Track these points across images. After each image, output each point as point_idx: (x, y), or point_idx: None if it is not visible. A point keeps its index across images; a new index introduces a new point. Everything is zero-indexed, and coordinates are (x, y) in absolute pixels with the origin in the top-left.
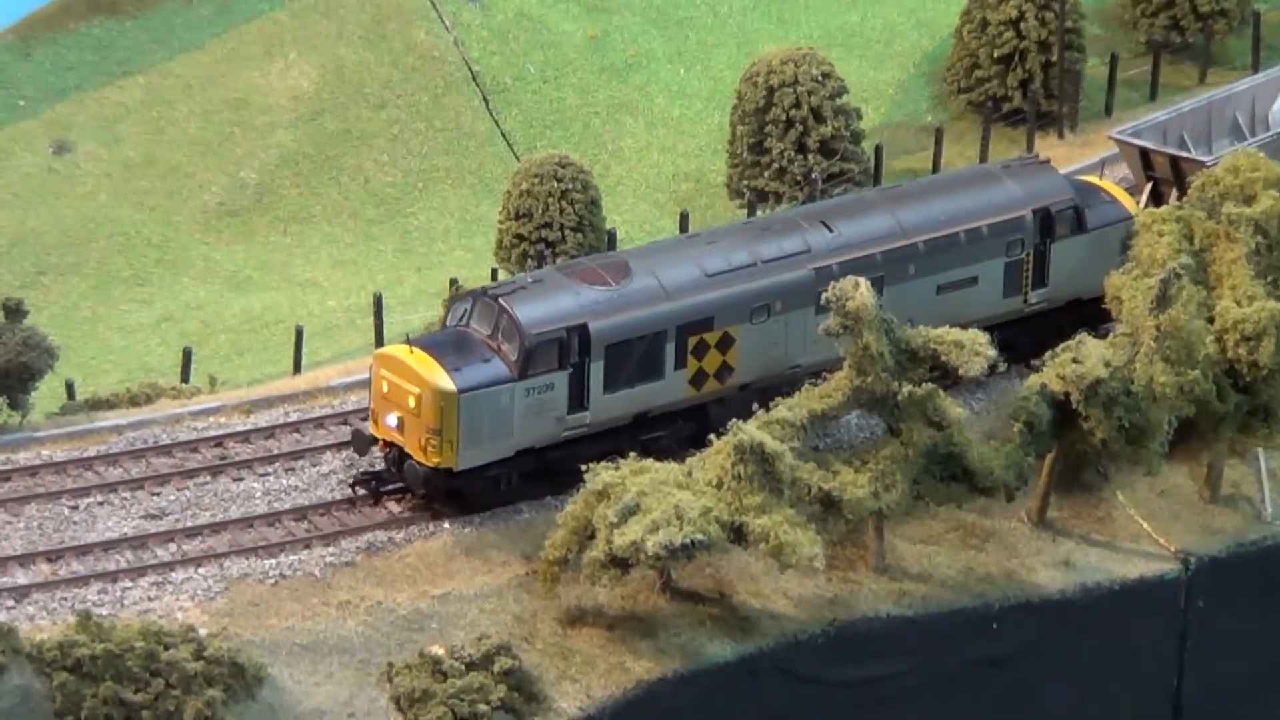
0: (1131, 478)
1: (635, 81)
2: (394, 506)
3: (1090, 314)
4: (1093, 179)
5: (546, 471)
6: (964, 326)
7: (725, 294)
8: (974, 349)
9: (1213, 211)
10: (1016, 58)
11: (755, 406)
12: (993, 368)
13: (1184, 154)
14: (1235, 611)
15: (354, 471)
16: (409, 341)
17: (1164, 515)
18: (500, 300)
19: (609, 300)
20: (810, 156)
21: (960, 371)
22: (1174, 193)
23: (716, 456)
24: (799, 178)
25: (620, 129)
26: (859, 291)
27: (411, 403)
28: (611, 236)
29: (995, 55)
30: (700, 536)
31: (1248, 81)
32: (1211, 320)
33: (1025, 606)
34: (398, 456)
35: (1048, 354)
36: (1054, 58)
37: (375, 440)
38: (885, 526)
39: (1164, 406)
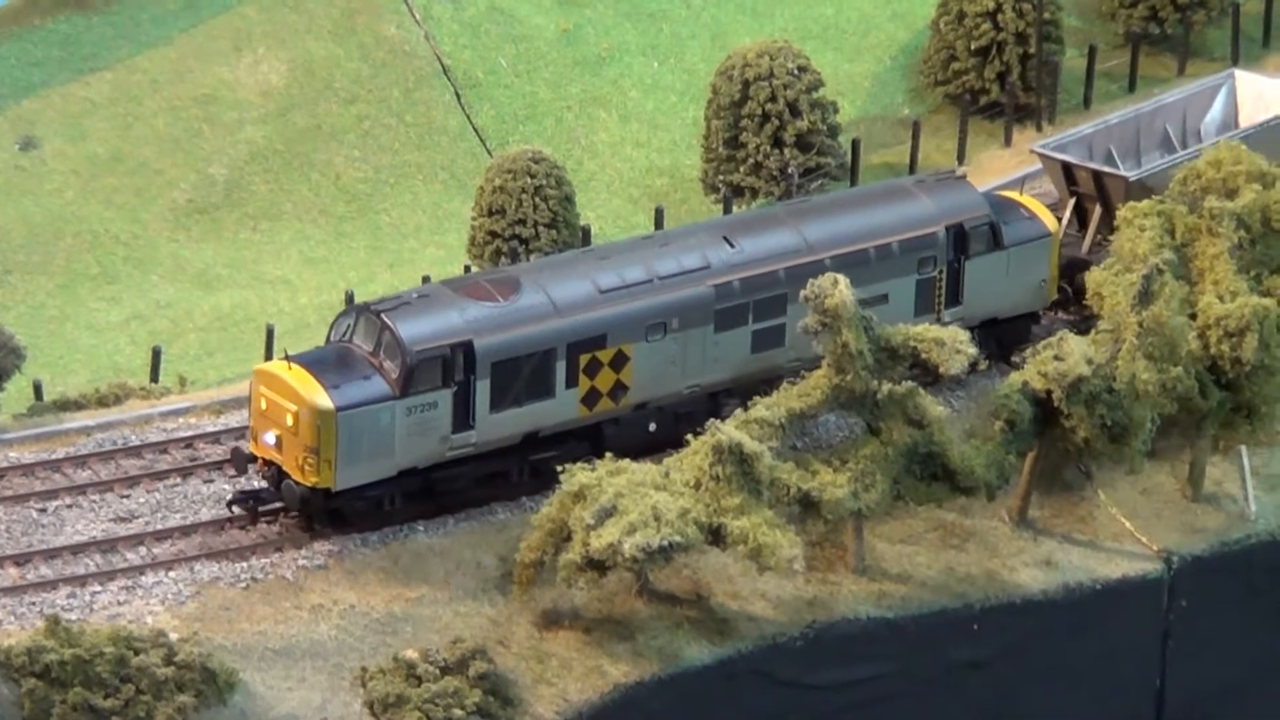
0: (1113, 476)
1: (608, 75)
2: (270, 528)
3: (1007, 334)
4: (1013, 194)
5: (431, 492)
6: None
7: (619, 311)
8: (955, 347)
9: (1194, 206)
10: (994, 50)
11: (651, 427)
12: (973, 366)
13: (1106, 169)
14: (1218, 611)
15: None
16: (288, 357)
17: (1146, 514)
18: (382, 316)
19: (496, 317)
20: (786, 151)
21: (941, 369)
22: (1097, 208)
23: (694, 457)
24: (775, 172)
25: (593, 123)
26: (837, 289)
27: (289, 420)
28: (586, 232)
29: (972, 47)
30: (678, 538)
31: (1178, 93)
32: (1194, 316)
33: (1006, 607)
34: (276, 475)
35: (1029, 351)
36: (1032, 50)
37: (254, 459)
38: (865, 527)
39: (1146, 404)
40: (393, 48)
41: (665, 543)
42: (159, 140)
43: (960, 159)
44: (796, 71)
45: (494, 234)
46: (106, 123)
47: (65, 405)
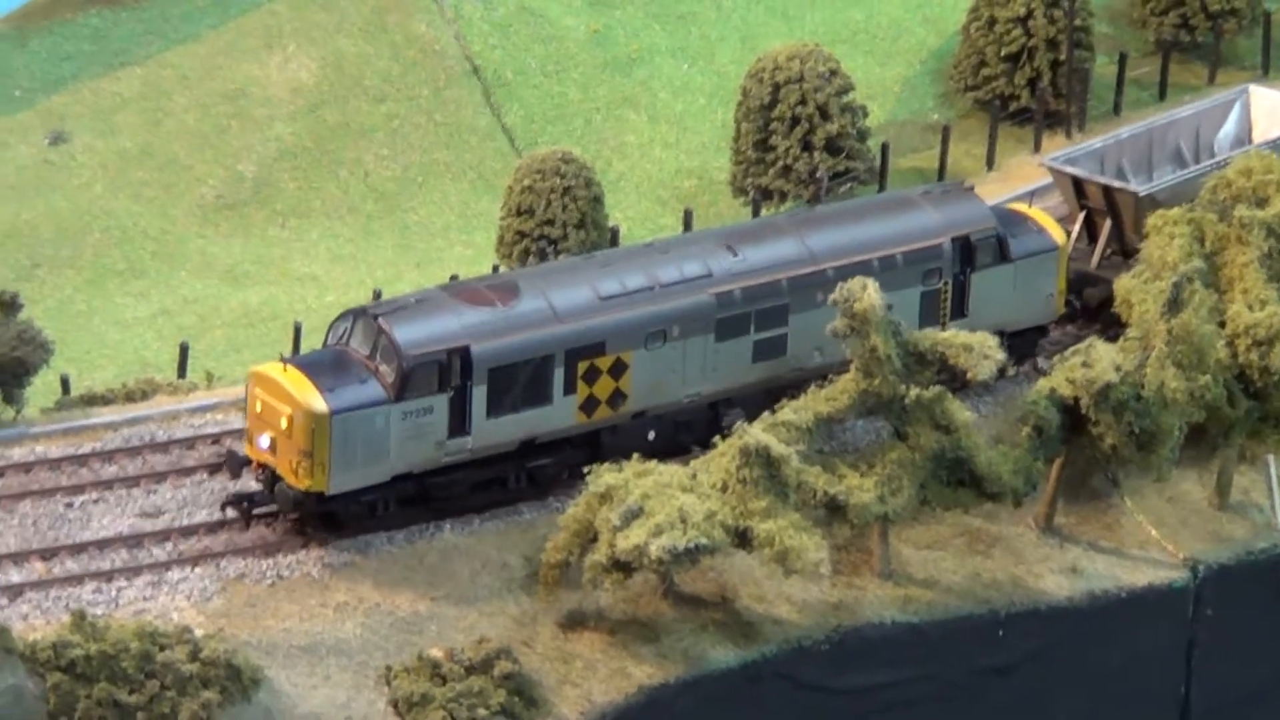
0: (1140, 484)
1: (638, 76)
2: (264, 530)
3: (1014, 347)
4: (1021, 207)
5: (426, 498)
6: None
7: (618, 318)
8: (983, 352)
9: (1224, 214)
10: (1024, 56)
11: (650, 435)
12: (1001, 371)
13: (1116, 183)
14: (1244, 620)
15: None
16: (284, 360)
17: (1172, 522)
18: (379, 319)
19: (494, 322)
20: (816, 154)
21: (969, 375)
22: (1107, 223)
23: (721, 459)
24: (804, 176)
25: (622, 125)
26: (866, 293)
27: (283, 423)
28: (614, 234)
29: (1003, 53)
30: (704, 541)
31: (1191, 108)
32: (1223, 325)
33: (1032, 613)
34: (271, 478)
35: (1057, 357)
36: (1062, 56)
37: (249, 461)
38: (891, 531)
39: (1174, 412)
40: (423, 46)
41: (691, 545)
42: (188, 136)
43: (989, 165)
44: (827, 75)
45: (522, 234)
46: (136, 118)
47: (92, 400)
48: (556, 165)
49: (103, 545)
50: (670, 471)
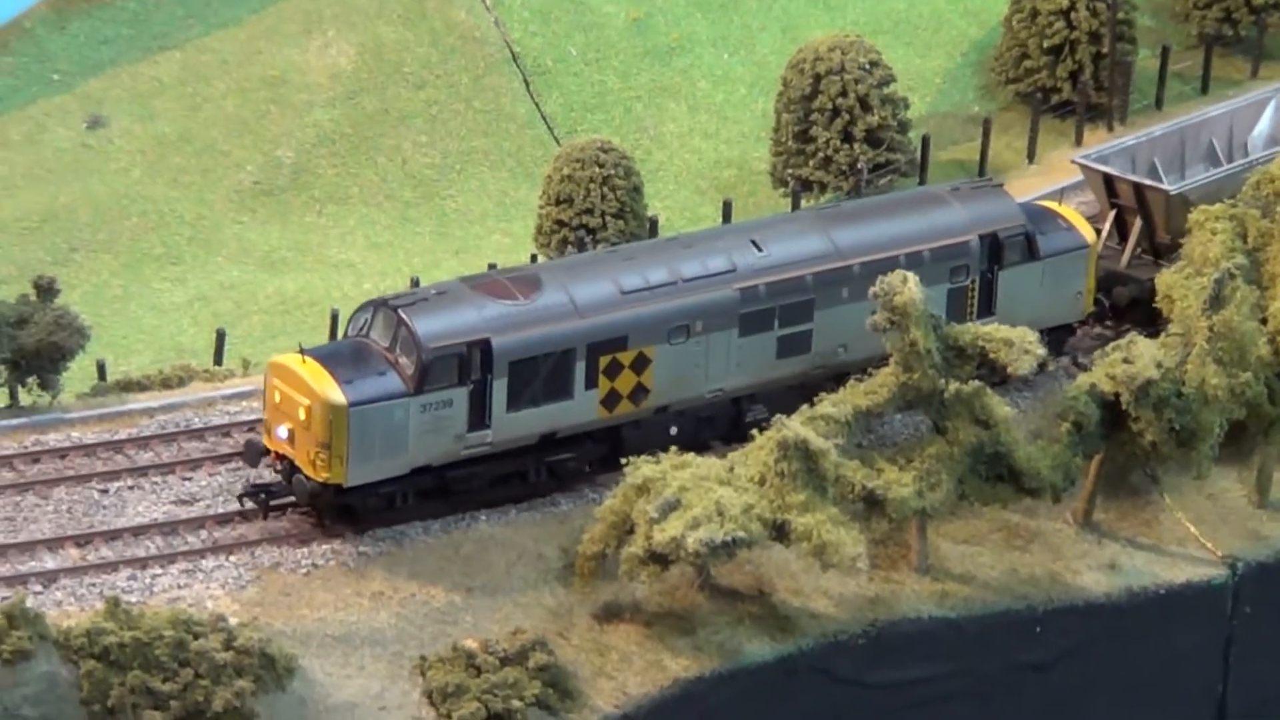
0: (1179, 481)
1: (678, 65)
2: (282, 522)
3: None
4: (1051, 204)
5: (445, 491)
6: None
7: (641, 313)
8: (1023, 347)
9: (1267, 210)
10: (1066, 48)
11: (673, 431)
12: (1041, 366)
13: (1148, 181)
14: None
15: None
16: (302, 351)
17: (1211, 519)
18: (400, 311)
19: (515, 315)
20: (856, 146)
21: (1009, 370)
22: (1137, 221)
23: (759, 453)
24: (844, 167)
25: (662, 114)
26: (907, 286)
27: (301, 414)
28: (653, 223)
29: (1045, 46)
30: (741, 534)
31: (1224, 106)
32: (1265, 321)
33: (1069, 610)
34: (289, 469)
35: (1097, 353)
36: (1105, 49)
37: (267, 451)
38: (929, 526)
39: (1215, 409)
40: (463, 33)
41: (729, 538)
42: (227, 121)
43: (1030, 158)
44: (868, 66)
45: (561, 223)
46: (174, 103)
47: (128, 386)
48: (596, 154)
49: (137, 532)
50: (708, 464)
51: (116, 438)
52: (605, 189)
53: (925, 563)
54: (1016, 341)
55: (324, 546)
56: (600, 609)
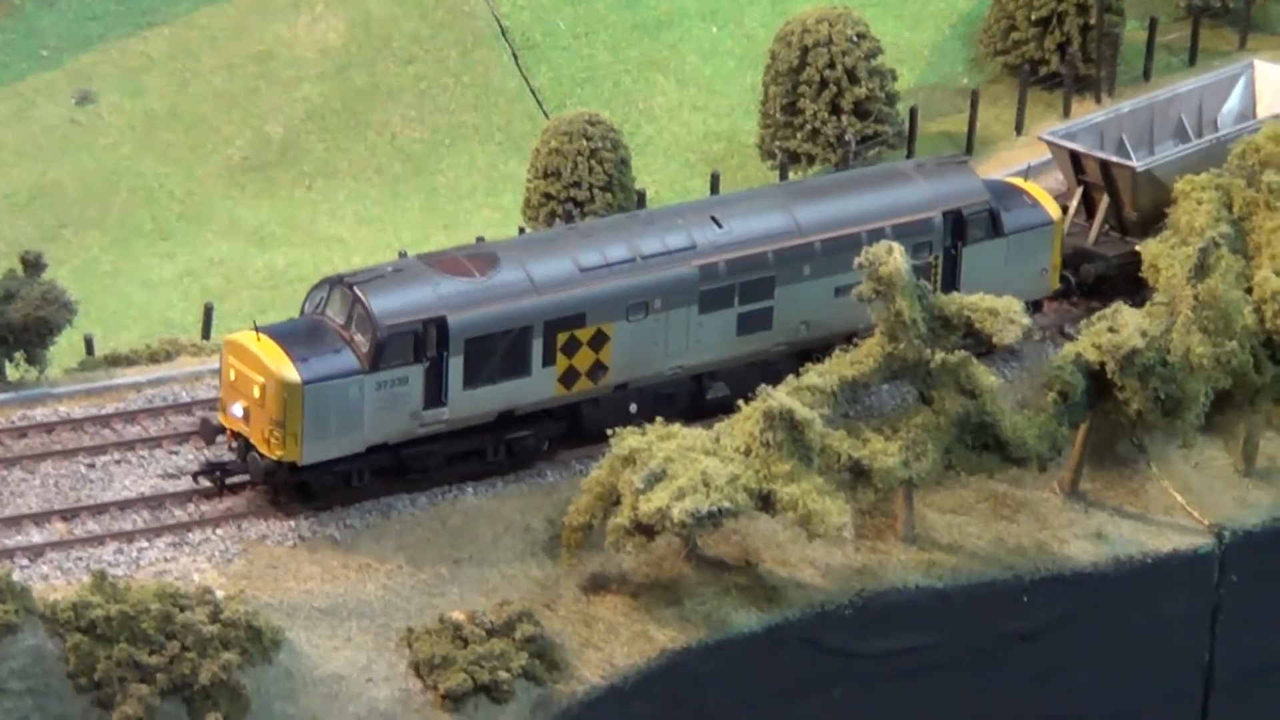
0: (1166, 449)
1: (667, 39)
2: (237, 500)
3: None
4: (1017, 181)
5: (402, 469)
6: (866, 331)
7: (599, 290)
8: (1009, 316)
9: (1252, 179)
10: (1054, 20)
11: (633, 408)
12: (1027, 335)
13: (1114, 158)
14: (1269, 586)
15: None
16: (257, 328)
17: (1198, 488)
18: (355, 289)
19: (471, 292)
20: (844, 118)
21: (995, 339)
22: (1104, 198)
23: (745, 423)
24: (832, 139)
25: (651, 87)
26: (892, 256)
27: (256, 392)
28: (641, 196)
29: (1033, 17)
30: (727, 504)
31: (1193, 82)
32: (1250, 290)
33: (1056, 579)
34: (244, 447)
35: (1083, 322)
36: (1093, 21)
37: (222, 430)
38: (915, 496)
39: (1200, 378)
40: (451, 7)
41: (714, 508)
42: (216, 97)
43: (1018, 129)
44: (855, 38)
45: (549, 196)
46: (163, 78)
47: (116, 361)
48: (584, 128)
49: (124, 506)
50: (694, 435)
51: (104, 412)
52: (593, 162)
53: (912, 532)
54: (1002, 311)
55: (310, 519)
56: (587, 580)
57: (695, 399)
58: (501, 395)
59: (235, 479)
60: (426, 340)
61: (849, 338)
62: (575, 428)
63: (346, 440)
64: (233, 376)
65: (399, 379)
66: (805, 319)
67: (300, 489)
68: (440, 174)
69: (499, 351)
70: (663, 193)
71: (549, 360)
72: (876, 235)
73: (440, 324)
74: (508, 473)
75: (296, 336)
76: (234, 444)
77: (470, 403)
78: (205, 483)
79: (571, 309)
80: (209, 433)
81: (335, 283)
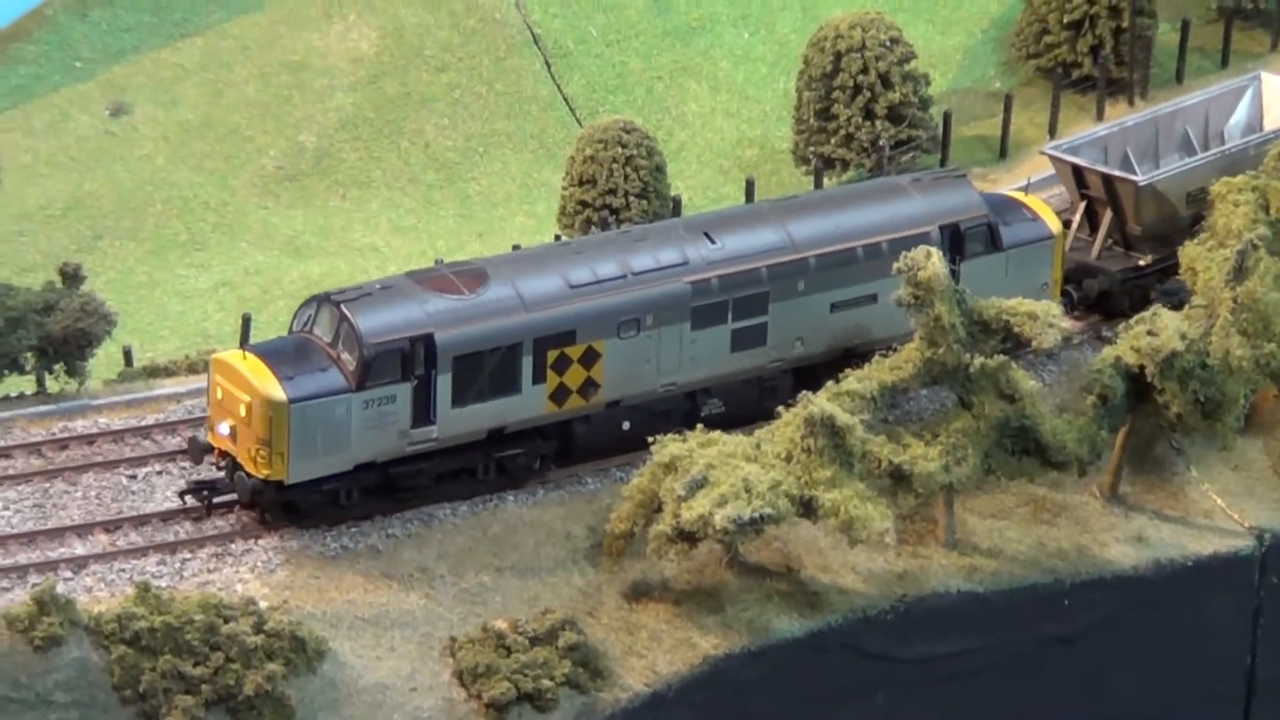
0: (1206, 452)
1: (699, 45)
2: (224, 520)
3: None
4: (1017, 194)
5: (391, 488)
6: (862, 347)
7: (589, 306)
8: (1048, 320)
9: None
10: (1087, 23)
11: (625, 425)
12: (1066, 340)
13: (1117, 172)
14: None
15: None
16: (243, 347)
17: (1238, 490)
18: (341, 306)
19: (460, 310)
20: (878, 123)
21: (1034, 344)
22: (1108, 213)
23: (785, 429)
24: (866, 144)
25: (684, 94)
26: (930, 261)
27: (242, 411)
28: (676, 203)
29: (1065, 21)
30: (769, 510)
31: (1199, 95)
32: None
33: (1097, 582)
34: (232, 466)
35: (1122, 325)
36: (1125, 24)
37: (211, 448)
38: (956, 501)
39: (1240, 380)
40: (483, 15)
41: (756, 515)
42: (249, 107)
43: (1051, 133)
44: (888, 43)
45: (584, 204)
46: (197, 89)
47: (155, 372)
48: (618, 135)
49: (166, 517)
50: (734, 441)
51: (144, 423)
52: (628, 169)
53: (953, 537)
54: (1041, 315)
55: (353, 529)
56: (629, 587)
57: (689, 416)
58: (491, 413)
59: (222, 498)
60: (414, 358)
61: (845, 353)
62: (567, 445)
63: (334, 459)
64: (220, 395)
65: (386, 397)
66: (800, 335)
67: (288, 508)
68: (474, 182)
69: (488, 369)
70: (696, 199)
71: (539, 378)
72: (872, 250)
73: (428, 341)
74: (496, 491)
75: (283, 355)
76: (222, 463)
77: (459, 421)
78: (192, 501)
79: (562, 326)
80: (197, 451)
81: (322, 300)
